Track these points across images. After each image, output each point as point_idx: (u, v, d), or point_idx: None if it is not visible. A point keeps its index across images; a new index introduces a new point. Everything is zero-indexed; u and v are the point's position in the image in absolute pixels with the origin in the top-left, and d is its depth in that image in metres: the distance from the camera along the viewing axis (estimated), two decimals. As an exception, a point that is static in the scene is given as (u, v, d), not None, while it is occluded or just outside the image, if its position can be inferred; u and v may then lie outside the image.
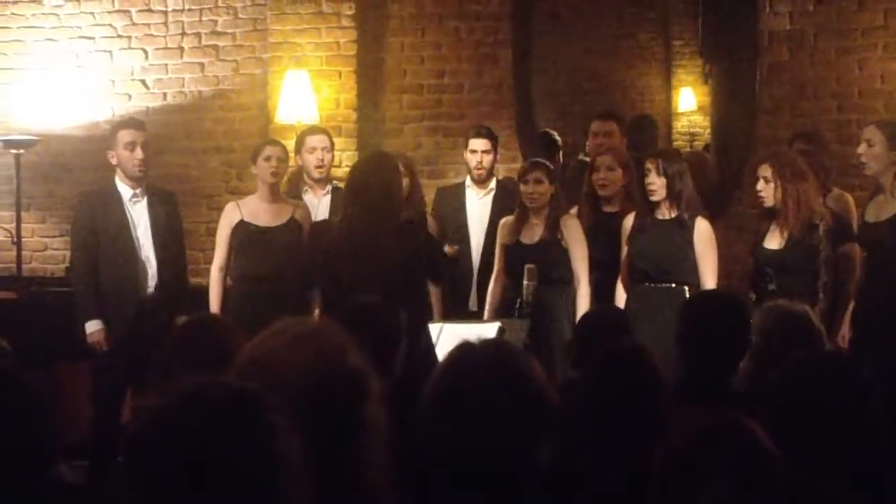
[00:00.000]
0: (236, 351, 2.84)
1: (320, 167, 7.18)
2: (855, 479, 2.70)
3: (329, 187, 7.24)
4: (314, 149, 7.18)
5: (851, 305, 6.29)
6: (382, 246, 5.62)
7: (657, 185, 6.26)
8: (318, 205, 7.16)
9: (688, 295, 6.14)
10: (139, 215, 6.68)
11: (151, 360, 4.17)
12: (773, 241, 6.22)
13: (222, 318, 5.26)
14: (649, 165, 6.31)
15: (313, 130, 7.40)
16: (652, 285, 6.27)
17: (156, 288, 6.65)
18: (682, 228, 6.28)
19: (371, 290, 4.98)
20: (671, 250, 6.24)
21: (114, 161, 6.69)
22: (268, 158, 6.80)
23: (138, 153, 6.63)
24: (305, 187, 7.25)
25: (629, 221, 6.43)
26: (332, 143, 7.33)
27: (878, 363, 3.37)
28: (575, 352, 5.02)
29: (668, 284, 6.23)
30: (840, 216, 6.48)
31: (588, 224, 6.68)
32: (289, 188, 7.32)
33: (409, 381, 3.33)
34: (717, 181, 8.22)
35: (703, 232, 6.29)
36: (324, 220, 6.75)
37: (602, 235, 6.56)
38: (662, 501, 2.52)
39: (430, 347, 5.33)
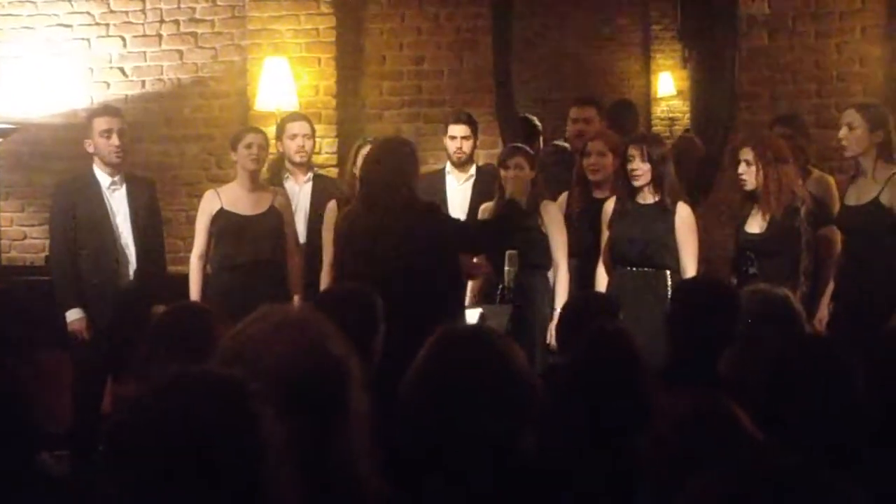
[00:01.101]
0: (217, 339, 2.83)
1: (301, 153, 7.17)
2: (838, 461, 2.71)
3: (311, 174, 7.23)
4: (295, 135, 7.17)
5: (830, 288, 6.30)
6: (389, 227, 5.56)
7: (642, 170, 6.24)
8: (300, 192, 7.14)
9: (669, 279, 6.16)
10: (118, 203, 6.65)
11: (131, 349, 4.15)
12: (755, 225, 6.24)
13: (202, 306, 5.24)
14: (633, 151, 6.29)
15: (294, 117, 7.39)
16: (633, 269, 6.26)
17: (135, 276, 6.62)
18: (664, 213, 6.27)
19: (395, 268, 5.11)
20: (653, 235, 6.24)
21: (91, 149, 6.66)
22: (249, 146, 6.78)
23: (114, 140, 6.59)
24: (287, 174, 7.23)
25: (610, 206, 6.43)
26: (314, 130, 7.32)
27: (859, 346, 3.39)
28: (559, 336, 5.02)
29: (649, 269, 6.24)
30: (820, 199, 6.50)
31: (578, 209, 6.68)
32: (270, 175, 7.30)
33: (389, 368, 3.32)
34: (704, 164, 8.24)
35: (684, 217, 6.29)
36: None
37: (592, 221, 6.54)
38: (648, 486, 2.52)
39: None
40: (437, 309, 4.85)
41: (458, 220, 6.40)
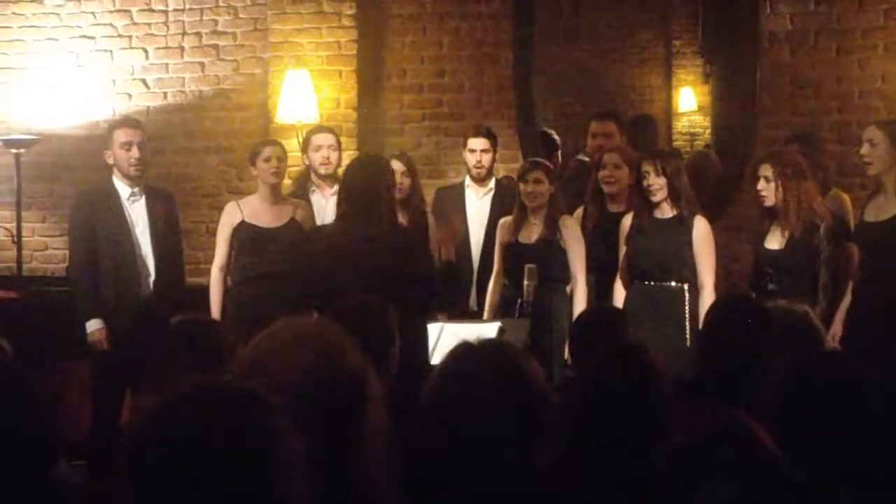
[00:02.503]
0: (229, 352, 2.84)
1: (326, 164, 7.16)
2: (856, 479, 2.70)
3: (337, 187, 7.24)
4: (320, 147, 7.17)
5: (846, 304, 6.28)
6: (368, 248, 5.59)
7: (657, 185, 6.26)
8: (326, 205, 7.08)
9: (687, 293, 6.17)
10: (137, 214, 6.67)
11: (148, 360, 4.16)
12: (774, 242, 6.23)
13: (214, 320, 5.26)
14: (647, 167, 6.30)
15: (319, 129, 7.40)
16: (651, 284, 6.27)
17: (154, 287, 6.64)
18: (682, 227, 6.28)
19: (361, 291, 4.93)
20: (670, 249, 6.24)
21: (110, 161, 6.68)
22: (267, 159, 6.80)
23: (134, 152, 6.61)
24: (313, 187, 7.23)
25: (627, 221, 6.43)
26: (339, 142, 7.32)
27: (878, 364, 3.38)
28: (572, 351, 5.02)
29: (667, 283, 6.24)
30: (838, 216, 6.48)
31: (593, 224, 6.68)
32: (296, 188, 7.32)
33: (404, 384, 3.33)
34: (722, 179, 8.23)
35: (701, 231, 6.29)
36: (321, 226, 6.70)
37: (607, 236, 6.55)
38: (664, 501, 2.52)
39: (425, 350, 5.33)
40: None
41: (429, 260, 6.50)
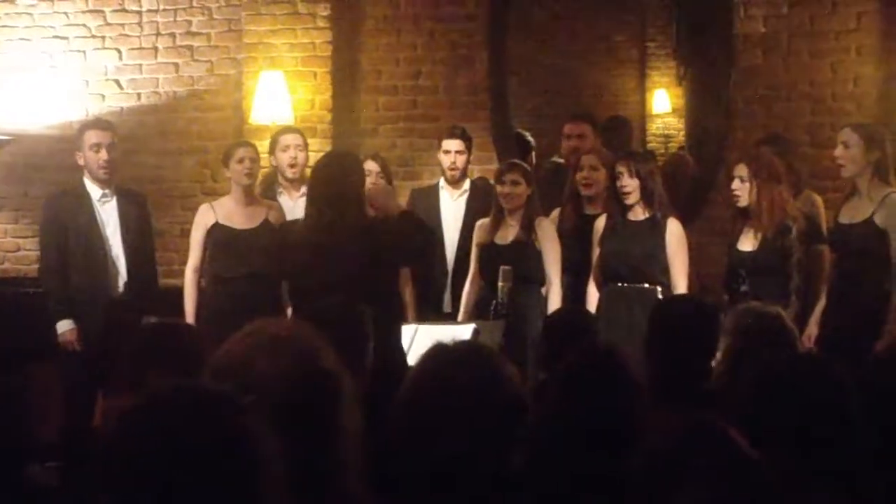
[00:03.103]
0: (202, 356, 2.82)
1: (293, 166, 7.16)
2: (831, 480, 2.71)
3: (303, 189, 7.22)
4: (287, 146, 7.17)
5: (821, 306, 6.31)
6: (343, 245, 5.55)
7: (630, 186, 6.29)
8: (294, 207, 7.07)
9: (660, 295, 6.18)
10: (108, 215, 6.65)
11: (121, 362, 4.14)
12: (747, 243, 6.26)
13: (188, 324, 5.23)
14: (621, 168, 6.33)
15: (286, 130, 7.41)
16: (624, 286, 6.29)
17: (125, 288, 6.62)
18: (655, 229, 6.30)
19: (331, 290, 4.92)
20: (644, 251, 6.27)
21: (81, 162, 6.67)
22: (241, 160, 6.79)
23: (103, 154, 6.60)
24: (280, 189, 7.22)
25: (601, 223, 6.45)
26: (306, 143, 7.31)
27: (852, 364, 3.39)
28: (543, 353, 5.03)
29: (640, 285, 6.26)
30: (810, 217, 6.52)
31: (570, 225, 6.69)
32: (263, 190, 7.30)
33: (380, 383, 3.32)
34: (697, 181, 8.25)
35: (674, 232, 6.32)
36: (291, 221, 6.68)
37: (584, 238, 6.56)
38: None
39: (400, 349, 5.31)
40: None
41: (398, 235, 6.35)
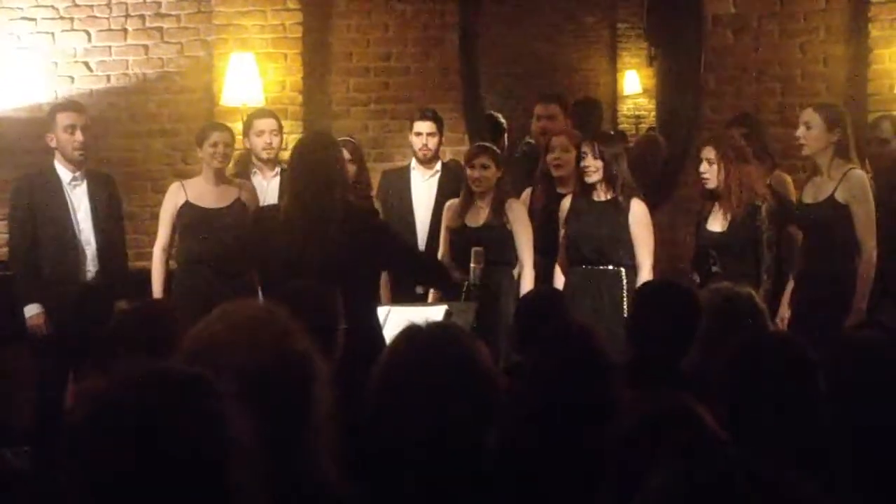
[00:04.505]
0: (176, 338, 2.82)
1: (268, 149, 7.16)
2: (800, 460, 2.73)
3: (278, 169, 7.21)
4: (262, 132, 7.16)
5: (790, 287, 6.35)
6: (324, 229, 5.46)
7: (593, 167, 6.30)
8: (267, 187, 7.11)
9: (625, 277, 6.22)
10: (78, 199, 6.61)
11: (92, 345, 4.13)
12: (716, 224, 6.28)
13: (167, 305, 5.21)
14: (585, 148, 6.35)
15: (262, 114, 7.37)
16: (589, 268, 6.31)
17: (96, 272, 6.59)
18: (618, 210, 6.32)
19: (310, 274, 4.84)
20: (607, 233, 6.29)
21: (52, 144, 6.61)
22: (214, 144, 6.75)
23: (78, 136, 6.56)
24: (254, 169, 7.22)
25: (566, 203, 6.47)
26: (281, 127, 7.30)
27: (824, 345, 3.41)
28: (515, 334, 5.04)
29: (605, 266, 6.28)
30: (781, 197, 6.55)
31: (541, 206, 6.71)
32: (237, 171, 7.28)
33: (355, 366, 3.31)
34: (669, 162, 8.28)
35: (638, 213, 6.34)
36: (268, 206, 6.63)
37: (555, 218, 6.57)
38: (610, 485, 2.53)
39: (379, 333, 5.30)
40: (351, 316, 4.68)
41: (403, 239, 6.21)
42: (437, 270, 6.19)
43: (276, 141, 7.19)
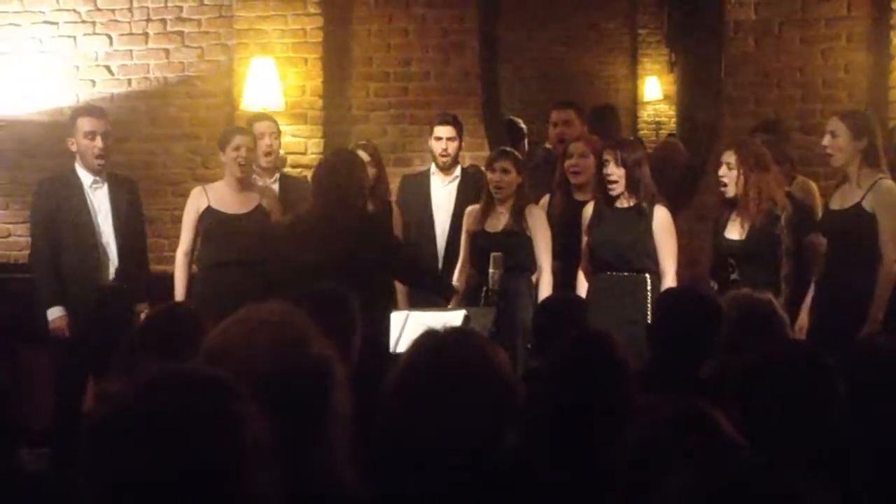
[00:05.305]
0: (198, 340, 2.82)
1: (268, 154, 7.17)
2: (820, 468, 2.72)
3: (277, 174, 7.23)
4: (262, 134, 7.15)
5: (810, 295, 6.31)
6: (337, 236, 5.61)
7: (616, 174, 6.27)
8: (267, 191, 7.14)
9: (649, 283, 6.19)
10: (100, 202, 6.63)
11: (113, 348, 4.14)
12: (734, 231, 6.25)
13: (192, 308, 5.23)
14: (607, 156, 6.32)
15: (260, 117, 7.40)
16: (613, 274, 6.29)
17: (116, 275, 6.61)
18: (641, 217, 6.30)
19: (327, 277, 4.93)
20: (631, 239, 6.26)
21: (73, 148, 6.64)
22: (237, 148, 6.74)
23: (98, 142, 6.58)
24: (255, 176, 7.22)
25: (589, 210, 6.45)
26: (279, 130, 7.31)
27: (842, 353, 3.40)
28: (534, 340, 5.03)
29: (628, 273, 6.26)
30: (804, 204, 6.52)
31: (560, 212, 6.69)
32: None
33: (368, 371, 3.33)
34: (688, 168, 8.26)
35: (661, 220, 6.31)
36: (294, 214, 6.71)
37: (573, 224, 6.55)
38: (626, 489, 2.52)
39: (386, 338, 5.34)
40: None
41: (398, 243, 6.61)
42: (432, 287, 6.58)
43: (275, 144, 7.21)
